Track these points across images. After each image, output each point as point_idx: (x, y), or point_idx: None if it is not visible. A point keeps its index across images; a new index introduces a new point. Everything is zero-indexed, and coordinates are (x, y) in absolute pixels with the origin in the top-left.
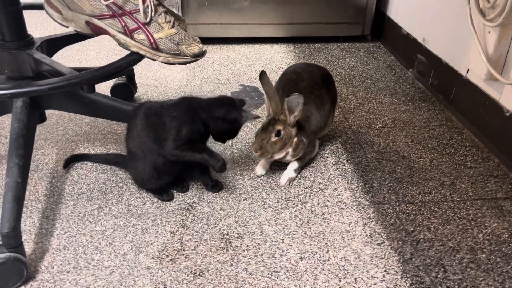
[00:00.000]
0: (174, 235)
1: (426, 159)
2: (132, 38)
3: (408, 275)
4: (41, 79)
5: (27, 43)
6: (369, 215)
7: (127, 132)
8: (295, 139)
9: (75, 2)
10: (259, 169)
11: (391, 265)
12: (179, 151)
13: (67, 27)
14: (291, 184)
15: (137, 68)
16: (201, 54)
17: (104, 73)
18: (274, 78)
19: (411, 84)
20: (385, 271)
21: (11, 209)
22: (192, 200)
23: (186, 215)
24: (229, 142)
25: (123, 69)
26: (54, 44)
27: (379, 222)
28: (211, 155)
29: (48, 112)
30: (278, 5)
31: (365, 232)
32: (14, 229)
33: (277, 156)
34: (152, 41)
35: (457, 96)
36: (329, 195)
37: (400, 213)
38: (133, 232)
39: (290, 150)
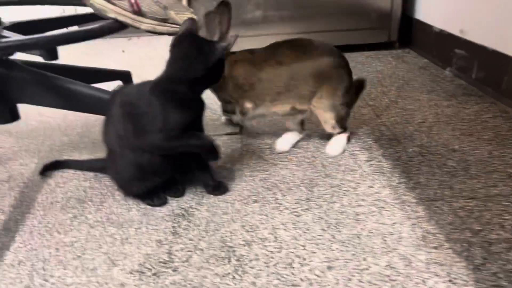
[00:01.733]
0: (161, 244)
1: (483, 151)
2: (108, 0)
3: (483, 285)
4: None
5: None
6: (417, 213)
7: (103, 124)
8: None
9: None
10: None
11: (457, 273)
12: (172, 142)
13: None
14: (313, 183)
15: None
16: None
17: (72, 36)
18: None
19: (451, 82)
20: (449, 280)
21: None
22: (188, 205)
23: (179, 222)
24: (238, 145)
25: (95, 36)
26: (27, 28)
27: (432, 221)
28: (202, 138)
29: (32, 122)
30: (293, 13)
31: (415, 233)
32: None
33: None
34: (133, 1)
35: (511, 83)
36: (363, 193)
37: (459, 210)
38: (109, 243)
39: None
